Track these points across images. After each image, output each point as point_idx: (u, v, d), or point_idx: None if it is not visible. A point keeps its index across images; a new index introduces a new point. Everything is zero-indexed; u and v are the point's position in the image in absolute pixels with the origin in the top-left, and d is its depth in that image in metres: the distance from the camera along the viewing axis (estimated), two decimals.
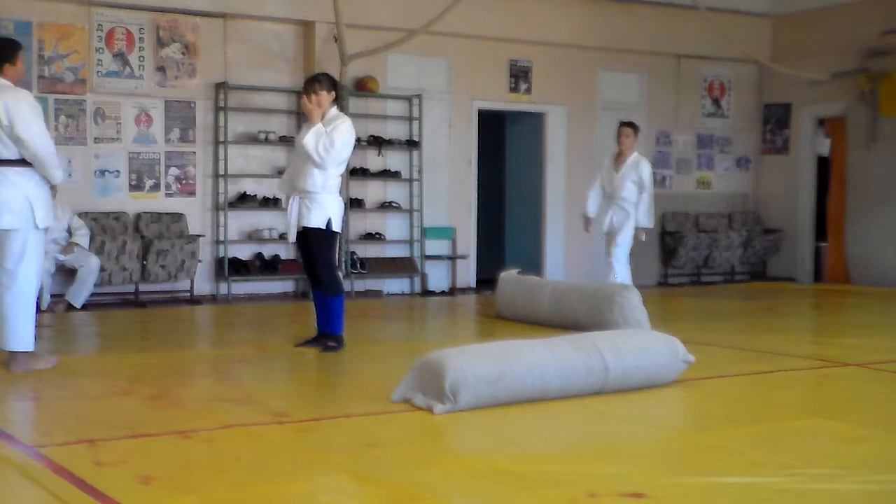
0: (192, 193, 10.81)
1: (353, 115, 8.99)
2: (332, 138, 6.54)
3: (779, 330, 8.53)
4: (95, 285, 9.55)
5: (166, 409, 4.94)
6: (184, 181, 10.76)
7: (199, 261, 10.43)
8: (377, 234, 11.69)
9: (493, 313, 9.09)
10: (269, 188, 10.97)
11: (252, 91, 11.03)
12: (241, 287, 10.91)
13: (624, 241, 9.36)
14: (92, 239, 9.67)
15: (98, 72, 10.30)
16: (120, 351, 6.97)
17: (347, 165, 7.69)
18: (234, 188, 10.96)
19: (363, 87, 11.36)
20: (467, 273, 12.30)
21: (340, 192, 6.90)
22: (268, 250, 11.06)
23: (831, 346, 7.59)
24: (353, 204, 11.25)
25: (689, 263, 13.47)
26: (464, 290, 12.07)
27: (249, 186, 11.02)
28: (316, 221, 6.65)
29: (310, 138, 6.56)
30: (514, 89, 12.54)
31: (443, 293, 11.91)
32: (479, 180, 12.43)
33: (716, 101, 14.07)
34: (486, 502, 3.46)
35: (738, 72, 14.08)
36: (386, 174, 11.69)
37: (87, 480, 3.56)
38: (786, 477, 3.70)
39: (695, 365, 5.67)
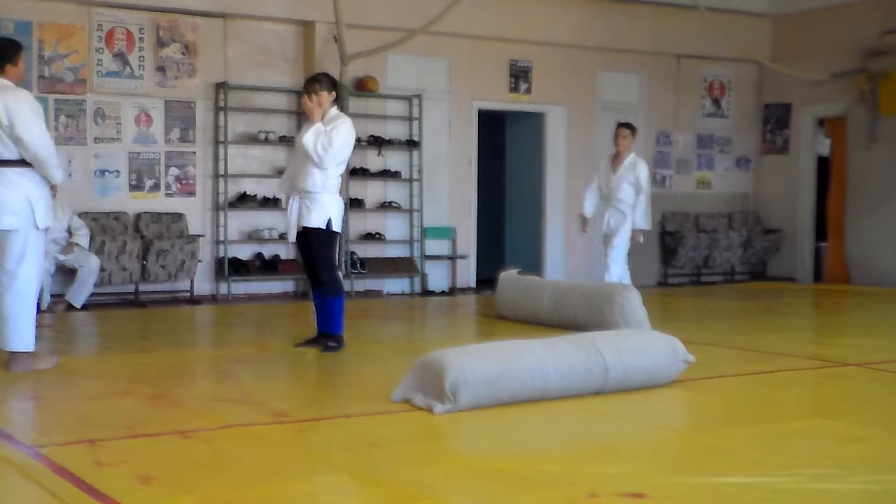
0: (192, 193, 10.81)
1: (353, 115, 8.98)
2: (332, 137, 6.54)
3: (779, 330, 8.53)
4: (95, 285, 9.55)
5: (166, 409, 4.94)
6: (184, 181, 10.76)
7: (199, 261, 10.43)
8: (377, 234, 11.69)
9: (493, 313, 9.09)
10: (269, 188, 10.97)
11: (252, 91, 11.03)
12: (241, 287, 10.92)
13: (621, 243, 9.36)
14: (92, 239, 9.67)
15: (98, 72, 10.30)
16: (120, 351, 6.97)
17: (347, 165, 7.69)
18: (234, 188, 10.96)
19: (363, 87, 11.36)
20: (467, 273, 12.30)
21: (340, 192, 6.89)
22: (268, 250, 11.06)
23: (831, 346, 7.59)
24: (353, 204, 11.25)
25: (689, 263, 13.47)
26: (464, 291, 12.07)
27: (249, 186, 11.02)
28: (316, 221, 6.65)
29: (309, 137, 6.57)
30: (514, 89, 12.54)
31: (443, 293, 11.91)
32: (479, 180, 12.43)
33: (716, 101, 14.07)
34: (486, 502, 3.46)
35: (738, 72, 14.07)
36: (386, 174, 11.69)
37: (87, 480, 3.56)
38: (786, 477, 3.69)
39: (695, 365, 5.67)
